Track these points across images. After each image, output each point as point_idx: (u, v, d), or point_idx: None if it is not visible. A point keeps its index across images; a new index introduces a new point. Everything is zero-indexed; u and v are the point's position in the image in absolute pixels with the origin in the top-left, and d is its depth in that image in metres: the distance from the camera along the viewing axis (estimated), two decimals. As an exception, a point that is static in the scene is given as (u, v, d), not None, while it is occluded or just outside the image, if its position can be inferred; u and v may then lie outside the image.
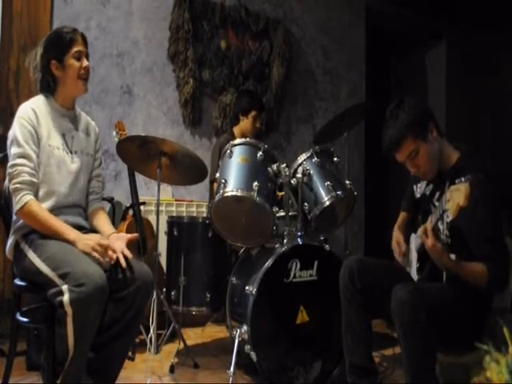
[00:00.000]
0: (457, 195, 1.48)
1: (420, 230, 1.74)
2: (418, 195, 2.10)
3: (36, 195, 1.90)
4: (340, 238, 3.46)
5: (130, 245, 1.92)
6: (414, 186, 2.13)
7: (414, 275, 1.97)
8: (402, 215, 2.22)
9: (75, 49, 1.98)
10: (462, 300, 1.74)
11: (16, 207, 1.86)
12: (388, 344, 2.70)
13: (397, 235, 2.09)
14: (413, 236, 2.04)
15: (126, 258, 1.84)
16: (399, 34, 5.34)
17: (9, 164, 1.89)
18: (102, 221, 2.08)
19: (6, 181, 2.01)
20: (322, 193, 2.50)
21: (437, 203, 1.87)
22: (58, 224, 1.87)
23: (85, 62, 2.01)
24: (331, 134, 3.28)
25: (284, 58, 4.22)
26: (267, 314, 2.27)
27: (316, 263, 2.38)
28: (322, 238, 2.55)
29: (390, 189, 5.35)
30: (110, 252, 1.83)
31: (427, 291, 1.72)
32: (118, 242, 1.88)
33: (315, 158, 2.56)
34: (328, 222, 2.65)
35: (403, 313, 1.65)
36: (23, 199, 1.85)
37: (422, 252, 1.84)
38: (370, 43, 4.86)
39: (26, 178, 1.87)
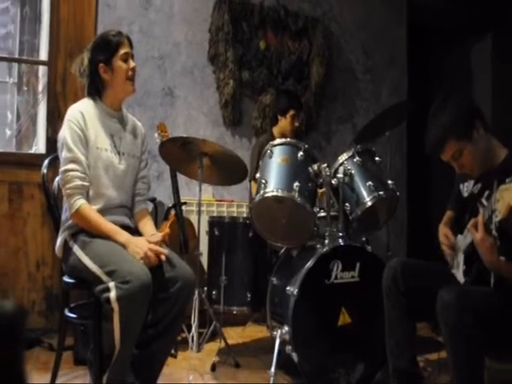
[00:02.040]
0: (507, 194, 1.43)
1: (470, 223, 1.67)
2: (465, 194, 2.04)
3: (87, 197, 1.96)
4: (382, 239, 3.40)
5: (169, 243, 1.96)
6: (461, 185, 2.07)
7: (461, 278, 1.91)
8: (448, 214, 2.16)
9: (122, 51, 2.02)
10: (510, 305, 1.68)
11: (70, 211, 1.93)
12: (433, 348, 2.63)
13: (443, 230, 2.04)
14: (459, 237, 1.98)
15: (166, 258, 1.87)
16: (442, 29, 5.20)
17: (61, 169, 1.96)
18: (145, 223, 2.12)
19: (57, 179, 2.07)
20: (364, 193, 2.47)
21: (485, 203, 1.81)
22: (109, 226, 1.92)
23: (132, 63, 2.04)
24: (372, 134, 3.23)
25: (323, 57, 4.18)
26: (308, 315, 2.26)
27: (358, 264, 2.35)
28: (363, 239, 2.52)
29: (432, 189, 5.22)
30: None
31: (474, 294, 1.67)
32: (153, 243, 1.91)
33: (357, 158, 2.53)
34: (370, 222, 2.61)
35: (449, 315, 1.60)
36: (76, 203, 1.91)
37: (470, 254, 1.78)
38: (412, 39, 4.75)
39: (78, 182, 1.92)
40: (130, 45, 2.07)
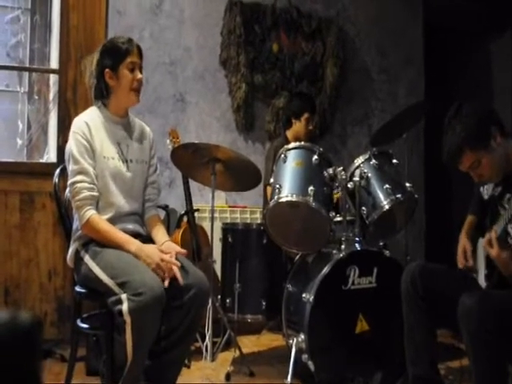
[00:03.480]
0: None
1: (483, 241, 1.68)
2: (485, 197, 2.02)
3: (96, 207, 1.98)
4: (400, 244, 3.37)
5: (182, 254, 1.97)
6: (481, 188, 2.06)
7: (482, 282, 1.89)
8: (470, 219, 2.14)
9: (129, 60, 2.02)
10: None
11: (80, 223, 1.96)
12: (454, 355, 2.60)
13: (463, 242, 2.02)
14: (481, 240, 1.97)
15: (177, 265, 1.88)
16: (459, 27, 5.16)
17: (69, 181, 1.99)
18: (157, 229, 2.12)
19: (67, 191, 2.10)
20: (381, 196, 2.47)
21: (506, 205, 1.80)
22: (120, 236, 1.93)
23: (138, 75, 2.04)
24: (389, 136, 3.21)
25: (338, 58, 4.18)
26: (325, 322, 2.26)
27: (375, 270, 2.34)
28: (381, 244, 2.51)
29: (452, 190, 5.17)
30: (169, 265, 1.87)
31: (496, 299, 1.65)
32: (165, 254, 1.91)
33: (373, 161, 2.53)
34: (387, 226, 2.60)
35: (471, 321, 1.59)
36: (86, 215, 1.93)
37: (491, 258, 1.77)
38: (429, 38, 4.72)
39: (86, 193, 1.94)
40: (140, 55, 2.07)
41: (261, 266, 2.75)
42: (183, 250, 1.99)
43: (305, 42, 4.13)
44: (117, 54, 2.03)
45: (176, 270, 1.86)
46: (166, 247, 1.97)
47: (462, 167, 1.86)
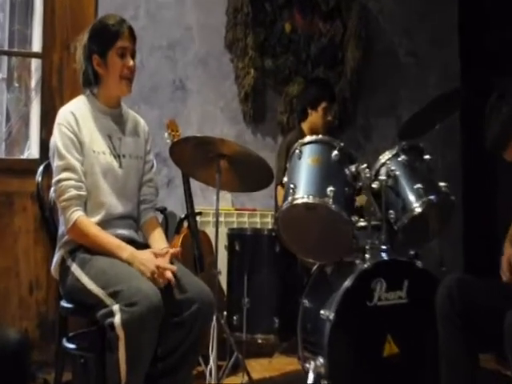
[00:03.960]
0: None
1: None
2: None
3: (84, 208, 1.99)
4: (434, 253, 3.34)
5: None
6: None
7: (531, 297, 1.87)
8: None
9: (120, 44, 2.03)
10: None
11: (66, 226, 1.97)
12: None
13: (508, 252, 2.01)
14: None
15: (174, 276, 1.88)
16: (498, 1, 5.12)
17: (54, 179, 1.99)
18: (156, 235, 2.13)
19: (51, 191, 2.10)
20: (411, 198, 2.46)
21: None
22: (110, 241, 1.95)
23: (129, 62, 2.05)
24: (420, 128, 3.20)
25: (360, 39, 4.17)
26: (347, 343, 2.25)
27: (406, 283, 2.33)
28: (412, 253, 2.50)
29: (496, 191, 5.09)
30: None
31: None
32: (160, 259, 1.92)
33: (402, 157, 2.53)
34: (419, 232, 2.58)
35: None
36: (72, 217, 1.94)
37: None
38: (464, 16, 4.69)
39: (73, 192, 1.95)
40: (132, 38, 2.08)
41: (273, 278, 2.74)
42: (176, 249, 2.01)
43: (322, 22, 4.12)
44: (105, 38, 2.04)
45: (170, 275, 1.86)
46: (158, 249, 1.99)
47: (508, 156, 1.86)
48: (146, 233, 2.15)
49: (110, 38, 2.03)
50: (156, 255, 1.93)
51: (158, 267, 1.86)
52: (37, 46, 3.54)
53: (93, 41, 2.06)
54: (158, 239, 2.12)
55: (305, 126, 3.44)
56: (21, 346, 0.80)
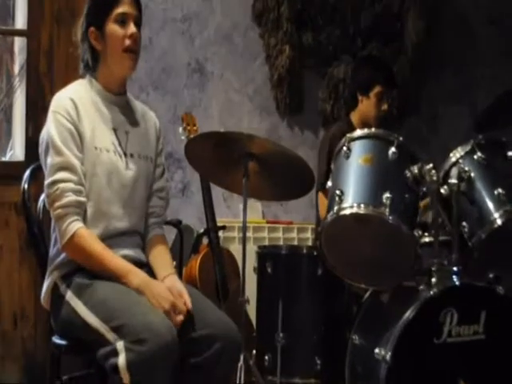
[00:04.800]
0: None
1: None
2: None
3: (84, 218, 2.00)
4: (520, 276, 3.32)
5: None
6: None
7: None
8: None
9: (118, 10, 2.06)
10: None
11: (62, 240, 1.96)
12: None
13: None
14: None
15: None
16: None
17: (46, 181, 1.99)
18: (158, 255, 2.15)
19: (40, 201, 2.14)
20: (490, 206, 2.45)
21: None
22: (118, 263, 1.96)
23: (131, 29, 2.07)
24: (502, 118, 3.17)
25: (424, 6, 4.16)
26: (409, 390, 2.24)
27: (483, 314, 2.31)
28: (491, 276, 2.47)
29: None
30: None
31: None
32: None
33: (478, 154, 2.51)
34: (500, 250, 2.56)
35: None
36: (70, 228, 1.94)
37: None
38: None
39: (72, 198, 1.96)
40: (136, 4, 2.11)
41: (314, 308, 2.75)
42: (186, 297, 1.97)
43: (375, -16, 4.13)
44: (102, 6, 2.08)
45: (180, 319, 1.88)
46: (168, 284, 1.99)
47: None
48: (148, 252, 2.16)
49: (106, 4, 2.07)
50: (170, 289, 1.94)
51: (173, 306, 1.87)
52: (21, 21, 3.60)
53: (90, 12, 2.11)
54: (162, 261, 2.13)
55: (354, 116, 3.43)
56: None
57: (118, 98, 2.16)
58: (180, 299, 1.91)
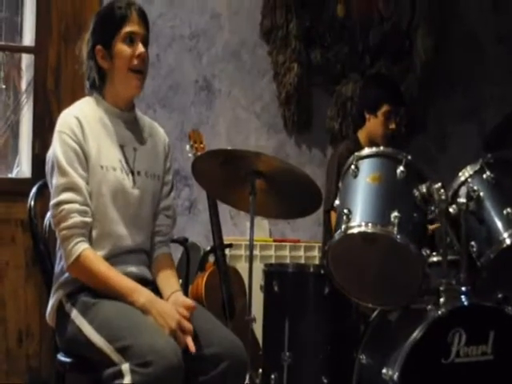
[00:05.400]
0: None
1: None
2: None
3: (89, 238, 2.01)
4: (529, 296, 3.31)
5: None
6: None
7: None
8: None
9: (126, 29, 2.07)
10: None
11: (68, 261, 1.98)
12: None
13: None
14: None
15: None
16: None
17: (52, 201, 2.01)
18: (166, 274, 2.15)
19: (47, 218, 2.16)
20: (499, 226, 2.45)
21: None
22: (124, 282, 1.97)
23: (140, 48, 2.08)
24: (511, 137, 3.18)
25: (433, 24, 4.18)
26: (417, 412, 2.24)
27: (492, 334, 2.30)
28: (500, 296, 2.47)
29: None
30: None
31: None
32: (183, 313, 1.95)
33: (487, 173, 2.51)
34: (509, 270, 2.56)
35: None
36: (75, 250, 1.96)
37: None
38: None
39: (77, 219, 1.97)
40: (144, 23, 2.12)
41: (321, 327, 2.74)
42: (190, 302, 1.99)
43: (384, 3, 4.15)
44: (109, 24, 2.09)
45: (189, 338, 1.88)
46: (172, 301, 2.00)
47: None
48: (154, 271, 2.16)
49: (114, 23, 2.07)
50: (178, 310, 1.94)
51: (180, 326, 1.88)
52: (28, 38, 3.63)
53: (97, 30, 2.12)
54: (168, 280, 2.13)
55: (361, 134, 3.44)
56: None
57: (125, 114, 2.17)
58: (185, 318, 1.91)
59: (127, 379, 1.74)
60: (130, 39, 2.08)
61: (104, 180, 2.05)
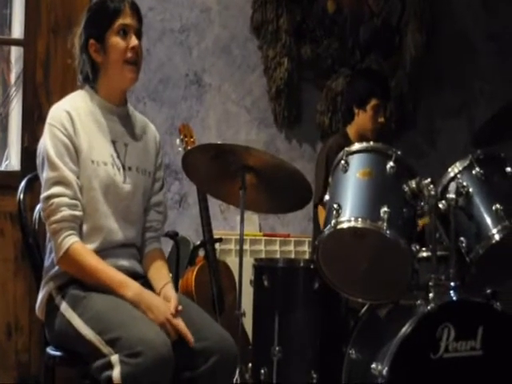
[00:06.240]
0: None
1: None
2: None
3: (80, 232, 2.01)
4: (517, 292, 3.32)
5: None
6: None
7: None
8: None
9: (120, 22, 2.07)
10: None
11: (57, 254, 1.98)
12: None
13: None
14: None
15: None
16: None
17: (42, 195, 2.01)
18: (156, 268, 2.16)
19: (36, 211, 2.15)
20: (488, 222, 2.45)
21: None
22: (113, 276, 1.97)
23: (133, 41, 2.08)
24: (500, 132, 3.19)
25: (423, 20, 4.18)
26: (405, 406, 2.24)
27: (480, 330, 2.31)
28: (488, 292, 2.48)
29: None
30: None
31: None
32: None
33: (476, 169, 2.51)
34: (498, 266, 2.57)
35: None
36: (65, 243, 1.96)
37: None
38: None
39: (66, 212, 1.97)
40: (137, 16, 2.13)
41: (310, 322, 2.73)
42: (174, 304, 1.97)
43: (374, -2, 4.15)
44: (102, 18, 2.09)
45: (184, 328, 1.89)
46: (163, 295, 2.01)
47: None
48: (146, 265, 2.17)
49: (108, 16, 2.07)
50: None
51: (169, 320, 1.88)
52: (17, 30, 3.62)
53: (90, 23, 2.12)
54: (159, 274, 2.14)
55: (350, 129, 3.45)
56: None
57: (118, 109, 2.17)
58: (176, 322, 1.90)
59: (116, 370, 1.74)
60: (124, 32, 2.08)
61: (95, 174, 2.05)
